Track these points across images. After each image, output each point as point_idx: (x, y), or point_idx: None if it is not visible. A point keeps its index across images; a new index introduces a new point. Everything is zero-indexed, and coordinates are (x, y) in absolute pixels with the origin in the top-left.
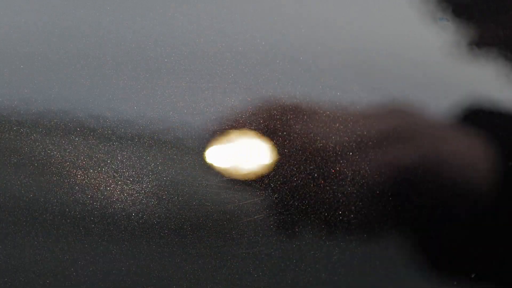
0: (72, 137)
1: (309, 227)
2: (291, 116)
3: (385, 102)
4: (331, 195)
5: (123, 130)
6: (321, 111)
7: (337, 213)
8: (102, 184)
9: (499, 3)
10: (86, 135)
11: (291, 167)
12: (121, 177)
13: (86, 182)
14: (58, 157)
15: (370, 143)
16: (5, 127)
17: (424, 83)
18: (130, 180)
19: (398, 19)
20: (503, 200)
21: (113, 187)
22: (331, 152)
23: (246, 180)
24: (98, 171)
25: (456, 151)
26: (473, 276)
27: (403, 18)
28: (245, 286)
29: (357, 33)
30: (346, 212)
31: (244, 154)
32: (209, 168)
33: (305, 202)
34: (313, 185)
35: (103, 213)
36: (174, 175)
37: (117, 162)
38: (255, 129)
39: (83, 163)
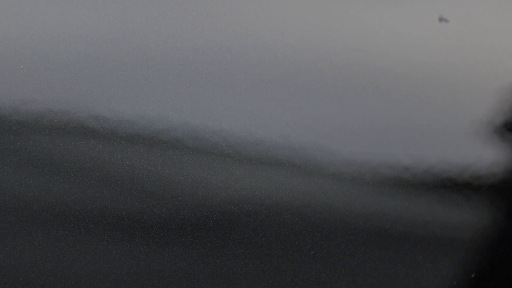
0: (72, 137)
1: None
2: None
3: None
4: None
5: (123, 130)
6: None
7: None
8: (102, 184)
9: None
10: (86, 135)
11: None
12: (121, 176)
13: (86, 182)
14: (58, 157)
15: None
16: (5, 127)
17: None
18: (130, 180)
19: None
20: None
21: (113, 187)
22: None
23: None
24: (98, 171)
25: None
26: (473, 276)
27: None
28: (245, 286)
29: None
30: None
31: None
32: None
33: None
34: None
35: (103, 213)
36: (174, 175)
37: (117, 162)
38: None
39: (83, 163)
